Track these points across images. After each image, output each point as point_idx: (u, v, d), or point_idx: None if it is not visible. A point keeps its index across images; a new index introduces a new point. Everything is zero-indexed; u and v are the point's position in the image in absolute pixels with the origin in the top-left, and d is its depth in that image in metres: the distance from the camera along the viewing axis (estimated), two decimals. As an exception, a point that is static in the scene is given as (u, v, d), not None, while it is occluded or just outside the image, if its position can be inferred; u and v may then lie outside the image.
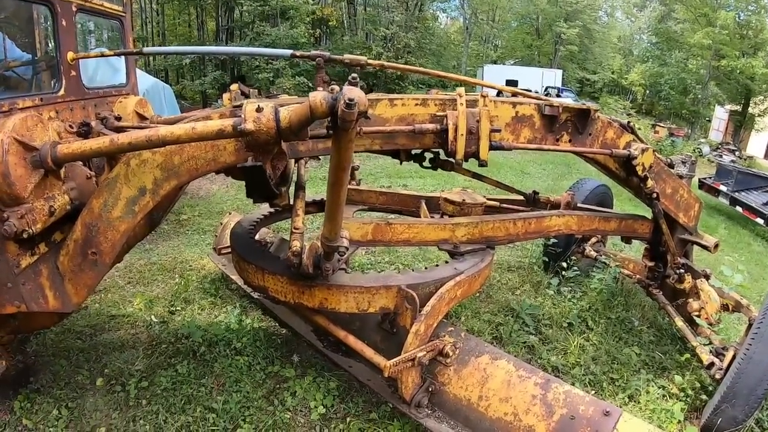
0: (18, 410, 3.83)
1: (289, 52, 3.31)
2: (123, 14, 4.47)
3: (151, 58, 24.88)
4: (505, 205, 4.82)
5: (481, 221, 4.01)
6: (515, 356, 4.85)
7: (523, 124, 3.70)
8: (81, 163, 3.23)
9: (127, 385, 4.17)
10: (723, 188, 15.25)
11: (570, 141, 3.93)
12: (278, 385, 4.34)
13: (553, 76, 39.87)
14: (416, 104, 3.40)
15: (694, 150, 28.68)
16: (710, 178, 16.18)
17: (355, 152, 3.42)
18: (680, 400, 4.48)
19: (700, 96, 36.16)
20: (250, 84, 20.16)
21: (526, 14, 50.29)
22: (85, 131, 3.32)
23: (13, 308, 2.89)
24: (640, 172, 4.20)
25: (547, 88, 35.67)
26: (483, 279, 3.90)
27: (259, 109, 2.24)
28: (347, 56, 3.16)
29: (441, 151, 3.64)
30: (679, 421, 4.24)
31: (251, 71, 22.79)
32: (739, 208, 14.85)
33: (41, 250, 3.01)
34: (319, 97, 2.09)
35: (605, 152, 4.06)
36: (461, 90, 3.43)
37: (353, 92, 1.98)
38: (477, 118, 3.34)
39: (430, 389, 3.50)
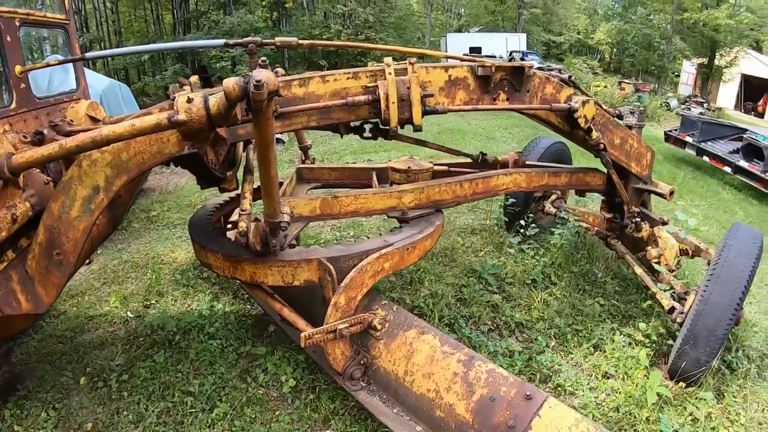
0: (8, 418, 3.93)
1: (222, 41, 3.37)
2: (66, 22, 4.51)
3: (108, 58, 24.54)
4: (453, 169, 4.90)
5: (428, 186, 4.10)
6: (477, 318, 5.02)
7: (458, 86, 3.78)
8: (38, 170, 3.32)
9: (108, 381, 4.27)
10: (689, 139, 15.43)
11: (507, 99, 4.02)
12: (250, 364, 4.45)
13: (518, 41, 39.80)
14: (348, 78, 3.47)
15: (661, 104, 29.01)
16: (676, 130, 16.34)
17: (293, 129, 3.55)
18: (645, 347, 4.58)
19: (665, 50, 36.39)
20: (210, 75, 20.03)
21: (487, -20, 49.98)
22: (38, 140, 3.38)
23: None
24: (582, 125, 4.30)
25: (511, 53, 35.60)
26: (422, 250, 3.86)
27: (189, 100, 2.35)
28: (278, 39, 3.24)
29: (378, 121, 3.71)
30: (645, 367, 4.32)
31: (210, 61, 22.58)
32: (706, 158, 15.06)
33: (9, 257, 3.11)
34: (231, 82, 2.21)
35: (544, 107, 4.16)
36: (389, 59, 3.51)
37: (261, 74, 2.11)
38: (407, 85, 3.43)
39: (363, 362, 3.52)
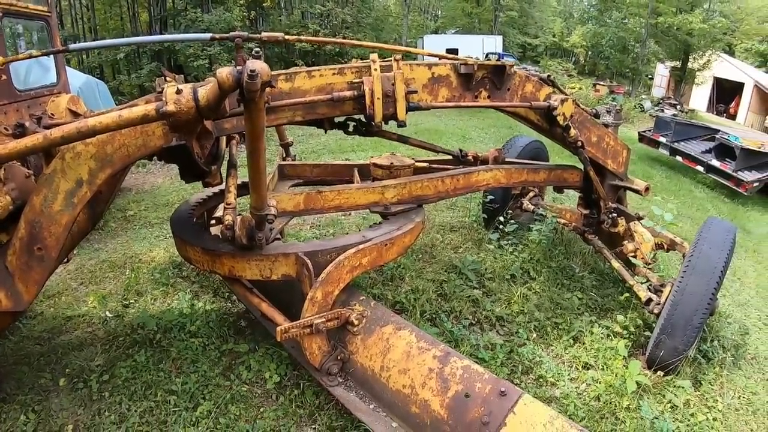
0: None
1: (208, 35, 3.38)
2: (48, 14, 4.47)
3: (83, 55, 24.16)
4: (434, 165, 4.96)
5: (410, 182, 4.15)
6: (458, 312, 5.08)
7: (440, 84, 3.84)
8: (18, 163, 3.28)
9: (89, 381, 4.21)
10: (662, 139, 15.68)
11: (489, 97, 4.08)
12: (233, 361, 4.45)
13: (494, 43, 40.05)
14: (333, 73, 3.51)
15: (635, 106, 29.47)
16: (650, 131, 16.62)
17: (278, 124, 3.57)
18: (624, 338, 4.71)
19: (639, 54, 36.94)
20: (187, 74, 19.84)
21: (464, -18, 50.30)
22: (20, 132, 3.34)
23: None
24: (561, 122, 4.38)
25: (487, 55, 35.80)
26: (401, 246, 3.88)
27: (178, 91, 2.36)
28: (264, 34, 3.25)
29: (362, 117, 3.74)
30: (624, 357, 4.44)
31: (187, 60, 22.38)
32: (679, 158, 15.31)
33: None
34: (225, 72, 2.22)
35: (524, 105, 4.24)
36: (375, 56, 3.55)
37: (255, 64, 2.13)
38: (392, 81, 3.48)
39: (340, 357, 3.53)
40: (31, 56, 3.86)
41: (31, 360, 4.58)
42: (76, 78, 9.85)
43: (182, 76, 4.11)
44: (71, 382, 4.27)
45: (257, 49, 2.23)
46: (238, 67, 2.19)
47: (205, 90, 2.37)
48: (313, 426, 3.81)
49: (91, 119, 2.55)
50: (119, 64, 26.47)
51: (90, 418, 3.92)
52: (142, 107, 2.49)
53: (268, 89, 2.83)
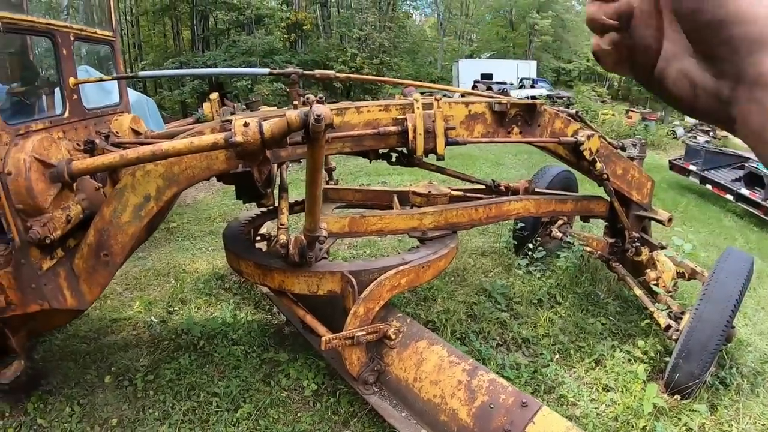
0: (32, 411, 4.11)
1: (266, 70, 3.74)
2: (113, 39, 4.84)
3: (128, 70, 25.05)
4: (468, 194, 5.24)
5: (446, 209, 4.44)
6: (487, 333, 5.32)
7: (476, 120, 4.15)
8: (89, 177, 3.63)
9: (134, 380, 4.46)
10: (692, 168, 15.55)
11: (520, 133, 4.37)
12: (273, 369, 4.70)
13: (528, 68, 40.23)
14: (380, 110, 3.84)
15: (668, 133, 29.23)
16: (680, 159, 16.56)
17: (329, 154, 3.90)
18: (643, 363, 4.85)
19: (672, 79, 36.70)
20: (229, 92, 20.49)
21: (499, 7, 50.69)
22: (90, 148, 3.68)
23: (36, 306, 3.25)
24: (587, 157, 4.64)
25: (521, 80, 35.95)
26: (436, 269, 4.14)
27: (246, 124, 2.69)
28: (317, 72, 3.62)
29: (404, 149, 4.07)
30: (643, 381, 4.59)
31: (229, 80, 23.04)
32: (709, 186, 15.16)
33: (59, 255, 3.38)
34: (293, 114, 2.58)
35: (553, 140, 4.52)
36: (417, 95, 3.88)
37: (320, 109, 2.49)
38: (433, 118, 3.80)
39: (376, 368, 3.79)
40: (101, 80, 4.30)
41: (77, 357, 4.83)
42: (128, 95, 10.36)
43: (216, 96, 4.46)
44: (116, 380, 4.53)
45: (321, 95, 2.58)
46: (305, 105, 2.54)
47: (270, 124, 2.68)
48: (347, 432, 4.03)
49: (165, 144, 2.87)
50: (161, 80, 27.32)
51: (134, 414, 4.16)
52: (212, 136, 2.82)
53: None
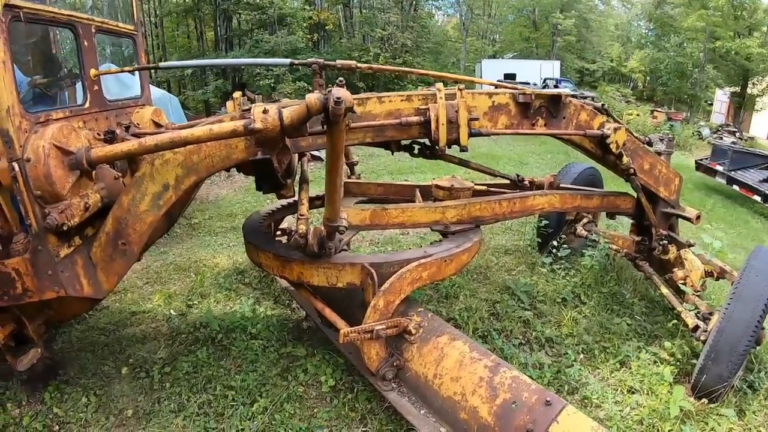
0: (48, 400, 4.12)
1: (288, 61, 3.70)
2: (135, 33, 4.87)
3: (153, 72, 25.38)
4: (492, 189, 5.13)
5: (469, 203, 4.35)
6: (509, 332, 5.21)
7: (500, 111, 4.06)
8: (108, 165, 3.61)
9: (151, 372, 4.46)
10: (719, 168, 15.38)
11: (545, 125, 4.27)
12: (291, 364, 4.65)
13: (551, 68, 39.89)
14: (402, 100, 3.77)
15: (693, 133, 28.81)
16: (706, 159, 16.33)
17: (350, 144, 3.84)
18: (670, 365, 4.71)
19: (697, 79, 36.16)
20: (252, 91, 20.61)
21: (522, 7, 50.30)
22: (110, 138, 3.67)
23: (53, 293, 3.23)
24: (614, 150, 4.51)
25: (545, 80, 35.66)
26: (458, 263, 4.04)
27: (265, 111, 2.66)
28: (339, 61, 3.55)
29: (427, 141, 3.99)
30: (669, 384, 4.44)
31: (252, 78, 23.21)
32: (736, 187, 15.00)
33: (76, 243, 3.36)
34: (313, 97, 2.52)
35: (579, 133, 4.40)
36: (440, 85, 3.80)
37: (340, 92, 2.43)
38: (456, 108, 3.71)
39: (396, 364, 3.69)
40: (122, 71, 4.29)
41: (95, 348, 4.85)
42: (152, 92, 10.44)
43: (239, 95, 4.44)
44: (133, 371, 4.52)
45: (341, 78, 2.51)
46: (325, 93, 2.48)
47: (290, 111, 2.65)
48: (365, 429, 3.97)
49: (184, 131, 2.85)
50: (185, 80, 27.61)
51: (150, 405, 4.15)
52: (231, 123, 2.79)
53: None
